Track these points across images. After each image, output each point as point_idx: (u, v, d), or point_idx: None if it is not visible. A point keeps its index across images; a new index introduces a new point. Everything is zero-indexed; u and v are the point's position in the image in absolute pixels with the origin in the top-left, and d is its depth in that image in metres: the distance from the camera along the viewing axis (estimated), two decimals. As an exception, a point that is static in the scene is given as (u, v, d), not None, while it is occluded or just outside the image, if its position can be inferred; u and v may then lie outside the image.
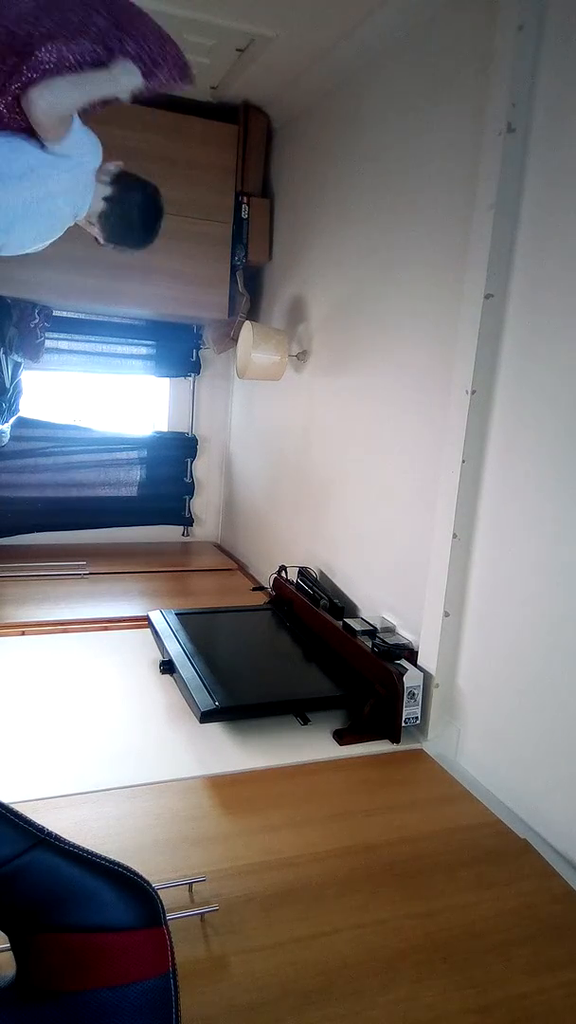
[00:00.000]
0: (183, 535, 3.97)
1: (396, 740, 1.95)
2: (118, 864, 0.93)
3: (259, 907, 1.32)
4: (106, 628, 2.63)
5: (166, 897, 1.02)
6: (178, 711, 2.03)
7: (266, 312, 3.39)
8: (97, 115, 1.82)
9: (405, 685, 1.93)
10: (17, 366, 3.30)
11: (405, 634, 2.16)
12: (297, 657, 2.32)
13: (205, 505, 3.99)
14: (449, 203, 1.99)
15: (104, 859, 0.92)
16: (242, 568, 3.49)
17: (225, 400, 3.90)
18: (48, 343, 3.37)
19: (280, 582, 2.82)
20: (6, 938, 0.91)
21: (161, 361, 3.71)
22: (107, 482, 3.72)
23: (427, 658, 1.98)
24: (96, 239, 1.95)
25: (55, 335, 3.43)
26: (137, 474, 3.78)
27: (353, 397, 2.51)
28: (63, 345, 3.49)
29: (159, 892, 0.94)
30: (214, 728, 1.96)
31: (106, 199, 1.86)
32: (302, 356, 2.93)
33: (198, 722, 1.88)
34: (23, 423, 3.46)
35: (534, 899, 1.40)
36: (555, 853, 1.55)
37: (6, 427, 3.31)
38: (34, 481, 3.57)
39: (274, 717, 2.01)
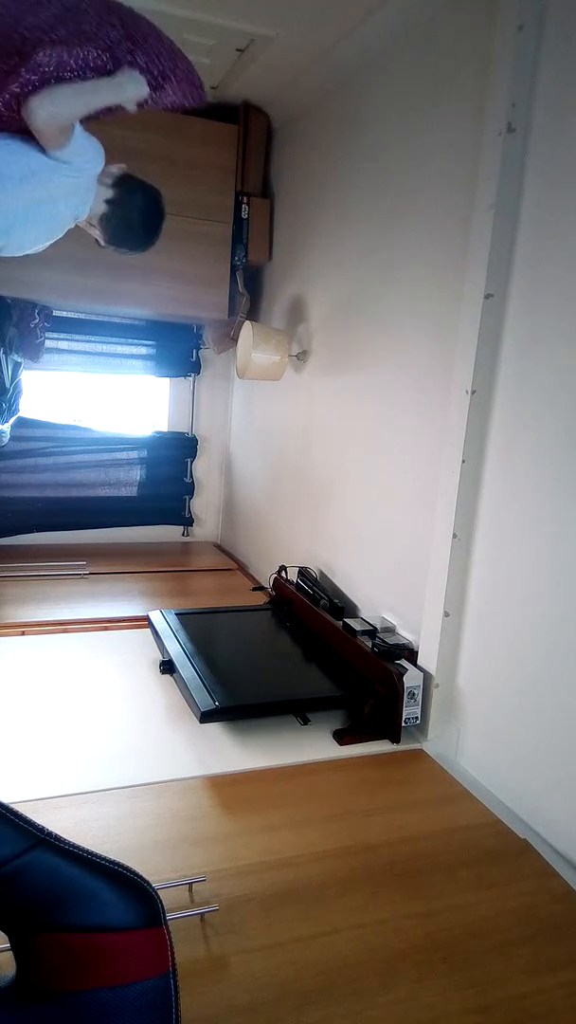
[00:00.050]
0: (183, 535, 3.97)
1: (396, 740, 1.95)
2: (118, 864, 0.93)
3: (259, 907, 1.32)
4: (106, 628, 2.63)
5: (166, 897, 1.02)
6: (178, 711, 2.03)
7: (266, 312, 3.39)
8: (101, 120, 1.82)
9: (405, 685, 1.93)
10: (17, 366, 3.30)
11: (405, 634, 2.16)
12: (297, 657, 2.32)
13: (205, 505, 3.99)
14: (449, 203, 1.99)
15: (104, 859, 0.92)
16: (242, 568, 3.49)
17: (225, 400, 3.90)
18: (48, 343, 3.37)
19: (280, 582, 2.82)
20: (6, 938, 0.91)
21: (161, 361, 3.71)
22: (107, 482, 3.72)
23: (427, 658, 1.98)
24: (97, 241, 1.95)
25: (55, 335, 3.43)
26: (137, 474, 3.78)
27: (353, 397, 2.51)
28: (63, 345, 3.49)
29: (159, 892, 0.94)
30: (214, 728, 1.96)
31: (108, 201, 1.86)
32: (302, 356, 2.93)
33: (198, 722, 1.88)
34: (23, 423, 3.46)
35: (534, 899, 1.40)
36: (555, 853, 1.55)
37: (6, 427, 3.31)
38: (34, 481, 3.58)
39: (274, 717, 2.01)
